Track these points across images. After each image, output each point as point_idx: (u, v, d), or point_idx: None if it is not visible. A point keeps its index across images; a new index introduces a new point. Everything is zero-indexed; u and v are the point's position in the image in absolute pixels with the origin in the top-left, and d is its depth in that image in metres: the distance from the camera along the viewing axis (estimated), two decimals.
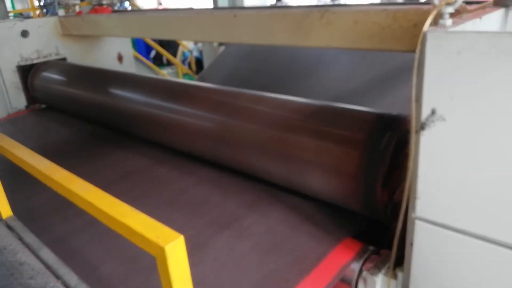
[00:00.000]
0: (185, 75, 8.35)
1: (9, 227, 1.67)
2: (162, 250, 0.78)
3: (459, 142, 0.99)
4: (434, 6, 1.04)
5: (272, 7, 2.88)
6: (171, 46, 9.67)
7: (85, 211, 1.01)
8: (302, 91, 2.23)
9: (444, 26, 1.01)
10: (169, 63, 9.82)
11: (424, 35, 0.97)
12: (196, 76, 6.86)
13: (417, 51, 1.00)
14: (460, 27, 1.02)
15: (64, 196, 1.07)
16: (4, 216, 1.72)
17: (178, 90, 2.23)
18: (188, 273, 0.82)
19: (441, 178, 1.05)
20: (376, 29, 1.46)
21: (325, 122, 1.57)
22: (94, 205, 0.93)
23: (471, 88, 0.94)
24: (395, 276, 1.28)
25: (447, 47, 0.94)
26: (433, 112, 1.01)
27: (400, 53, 1.49)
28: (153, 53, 10.12)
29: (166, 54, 7.88)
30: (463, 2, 1.08)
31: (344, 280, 1.36)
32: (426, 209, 1.11)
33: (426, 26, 0.99)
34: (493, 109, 0.93)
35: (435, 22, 1.03)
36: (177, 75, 8.36)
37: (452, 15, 1.03)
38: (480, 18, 1.12)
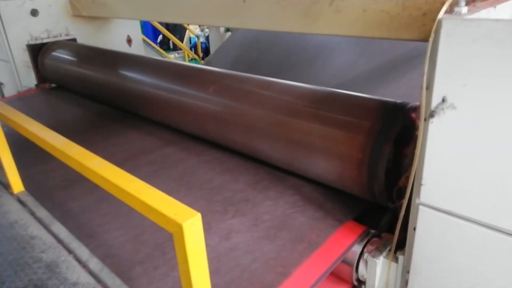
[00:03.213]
0: (191, 60, 8.34)
1: (20, 201, 1.72)
2: (180, 227, 0.79)
3: (468, 131, 1.00)
4: None
5: None
6: (178, 31, 9.65)
7: (101, 187, 1.03)
8: (307, 78, 2.24)
9: (459, 13, 1.01)
10: (175, 48, 9.80)
11: (439, 22, 0.96)
12: (202, 62, 6.85)
13: (431, 38, 1.00)
14: (475, 15, 1.01)
15: (80, 172, 1.09)
16: (15, 191, 1.76)
17: (187, 73, 2.25)
18: (203, 249, 0.85)
19: (447, 165, 1.07)
20: (385, 17, 1.46)
21: (331, 108, 1.58)
22: (112, 181, 0.95)
23: (485, 76, 0.93)
24: (396, 259, 1.31)
25: (462, 34, 0.93)
26: (443, 100, 1.02)
27: (404, 42, 1.50)
28: (160, 38, 10.11)
29: (173, 39, 7.85)
30: None
31: (346, 262, 1.40)
32: (430, 195, 1.13)
33: (441, 14, 0.99)
34: (506, 98, 0.93)
35: (450, 10, 1.03)
36: (183, 59, 8.34)
37: (467, 3, 1.03)
38: (495, 7, 1.12)
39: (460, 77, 0.97)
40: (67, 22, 3.44)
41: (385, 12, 1.46)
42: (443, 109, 1.03)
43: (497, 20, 0.89)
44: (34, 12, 3.24)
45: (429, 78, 1.04)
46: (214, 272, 1.24)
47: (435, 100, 1.03)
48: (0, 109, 1.52)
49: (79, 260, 1.35)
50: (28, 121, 1.38)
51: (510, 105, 0.93)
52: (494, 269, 1.09)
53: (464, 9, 1.02)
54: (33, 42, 3.27)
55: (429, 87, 1.04)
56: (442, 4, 1.03)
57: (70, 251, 1.39)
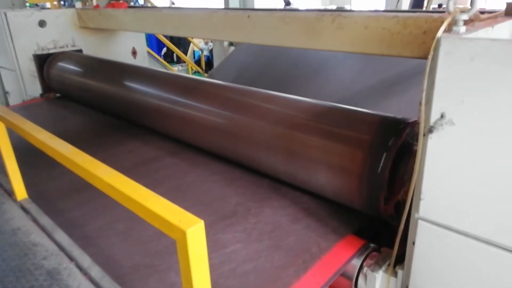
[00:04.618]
0: (194, 73, 8.43)
1: (23, 209, 1.73)
2: (183, 234, 0.81)
3: (466, 146, 1.03)
4: (449, 12, 1.07)
5: (284, 9, 2.94)
6: (182, 44, 9.79)
7: (104, 195, 1.05)
8: (308, 93, 2.28)
9: (457, 32, 1.04)
10: (179, 61, 9.91)
11: (438, 40, 1.00)
12: (206, 75, 6.93)
13: (430, 56, 1.03)
14: (473, 34, 1.05)
15: (86, 180, 1.11)
16: (19, 198, 1.78)
17: (190, 85, 2.29)
18: (206, 256, 0.86)
19: (446, 180, 1.09)
20: (386, 35, 1.50)
21: (333, 123, 1.61)
22: (118, 189, 0.96)
23: (483, 93, 0.96)
24: (395, 274, 1.32)
25: (460, 53, 0.96)
26: (442, 116, 1.04)
27: (404, 59, 1.53)
28: (164, 51, 10.24)
29: (177, 52, 7.96)
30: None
31: (345, 275, 1.40)
32: (429, 210, 1.15)
33: (440, 32, 1.03)
34: (503, 115, 0.95)
35: (448, 29, 1.07)
36: (187, 72, 8.43)
37: (465, 22, 1.07)
38: (492, 27, 1.15)
39: (458, 93, 1.00)
40: (74, 33, 3.51)
41: (386, 30, 1.50)
42: (441, 124, 1.05)
43: (494, 39, 0.92)
44: (42, 23, 3.31)
45: (428, 94, 1.06)
46: None
47: (434, 116, 1.06)
48: (8, 116, 1.55)
49: (80, 268, 1.35)
50: (36, 129, 1.40)
51: (507, 121, 0.95)
52: (493, 284, 1.09)
53: (462, 29, 1.06)
54: (39, 52, 3.33)
55: (428, 103, 1.07)
56: (442, 23, 1.07)
57: (71, 259, 1.40)
